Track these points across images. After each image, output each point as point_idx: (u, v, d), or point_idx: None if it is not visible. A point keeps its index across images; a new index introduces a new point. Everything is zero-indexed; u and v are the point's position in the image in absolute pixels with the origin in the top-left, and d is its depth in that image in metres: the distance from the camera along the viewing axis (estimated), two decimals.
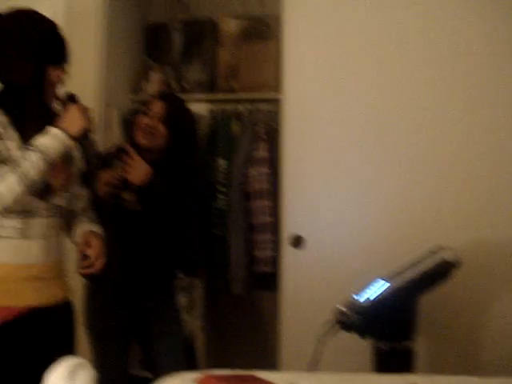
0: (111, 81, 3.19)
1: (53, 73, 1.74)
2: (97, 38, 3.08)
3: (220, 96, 3.33)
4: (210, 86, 3.45)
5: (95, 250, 1.83)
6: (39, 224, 1.75)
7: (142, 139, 2.38)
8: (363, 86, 2.68)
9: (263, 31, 3.40)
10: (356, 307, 2.12)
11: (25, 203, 1.68)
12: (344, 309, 2.13)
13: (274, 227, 2.96)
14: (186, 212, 2.47)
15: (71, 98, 1.80)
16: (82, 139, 1.76)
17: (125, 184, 2.33)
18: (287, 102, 2.77)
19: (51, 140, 1.67)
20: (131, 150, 2.31)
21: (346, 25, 2.72)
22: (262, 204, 3.03)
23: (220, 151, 3.14)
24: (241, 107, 3.22)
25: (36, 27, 1.73)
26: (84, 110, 1.77)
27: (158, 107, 2.40)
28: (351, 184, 2.69)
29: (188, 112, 2.55)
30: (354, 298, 2.15)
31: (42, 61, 1.71)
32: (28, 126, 1.71)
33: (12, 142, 1.66)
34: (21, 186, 1.61)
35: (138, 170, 2.28)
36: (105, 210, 2.28)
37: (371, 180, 2.66)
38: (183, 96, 3.30)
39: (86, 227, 1.91)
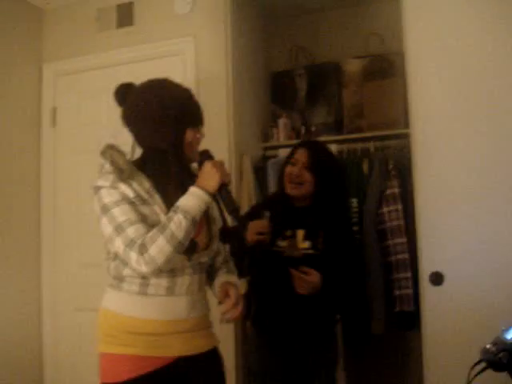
0: (242, 129, 3.33)
1: (190, 135, 1.84)
2: (227, 89, 3.24)
3: (347, 136, 3.36)
4: (337, 126, 3.50)
5: (232, 300, 1.87)
6: (185, 281, 1.84)
7: (290, 189, 2.44)
8: (494, 116, 2.60)
9: (386, 69, 3.42)
10: (505, 345, 2.01)
11: (172, 262, 1.76)
12: (492, 347, 2.03)
13: (412, 265, 2.90)
14: (348, 263, 2.47)
15: (205, 155, 1.87)
16: (220, 193, 1.81)
17: (277, 232, 2.40)
18: (416, 136, 2.73)
19: (192, 199, 1.74)
20: (298, 273, 2.29)
21: (471, 57, 2.65)
22: (399, 241, 2.98)
23: (351, 190, 3.14)
24: (369, 145, 3.22)
25: (172, 95, 1.83)
26: (218, 165, 1.82)
27: (301, 155, 2.45)
28: (489, 216, 2.58)
29: (331, 155, 2.58)
30: (502, 335, 2.04)
31: (180, 125, 1.81)
32: (170, 188, 1.80)
33: (158, 207, 1.77)
34: (170, 248, 1.68)
35: (310, 283, 2.28)
36: (257, 256, 2.38)
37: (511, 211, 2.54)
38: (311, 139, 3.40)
39: (223, 278, 1.97)
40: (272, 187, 3.35)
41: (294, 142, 3.46)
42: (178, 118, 1.80)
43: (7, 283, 3.32)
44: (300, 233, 2.42)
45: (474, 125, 2.62)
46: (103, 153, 1.83)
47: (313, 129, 3.53)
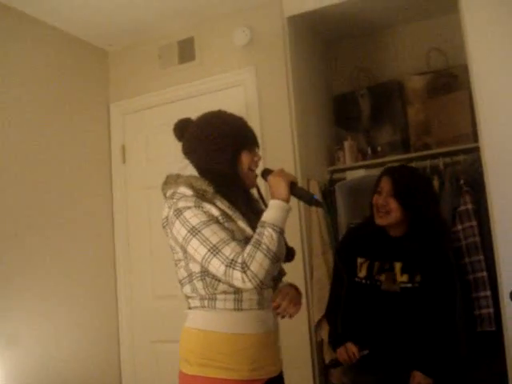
0: (308, 155, 3.34)
1: (247, 158, 1.92)
2: (290, 116, 3.27)
3: (415, 154, 3.30)
4: (404, 145, 3.44)
5: (283, 297, 1.93)
6: (269, 295, 1.91)
7: (379, 219, 2.45)
8: None
9: (449, 83, 3.35)
10: None
11: (271, 275, 1.81)
12: None
13: (492, 283, 2.79)
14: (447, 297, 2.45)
15: (265, 172, 1.94)
16: (293, 193, 1.87)
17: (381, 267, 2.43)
18: (487, 150, 2.66)
19: (274, 211, 1.80)
20: None
21: None
22: (476, 259, 2.88)
23: None
24: (438, 162, 3.15)
25: (227, 122, 1.95)
26: (278, 172, 1.89)
27: (385, 183, 2.45)
28: None
29: (419, 179, 2.54)
30: None
31: (236, 148, 1.90)
32: (243, 206, 1.90)
33: (241, 222, 1.83)
34: (268, 261, 1.73)
35: None
36: (360, 291, 2.44)
37: None
38: (377, 159, 3.37)
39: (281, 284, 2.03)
40: (341, 210, 3.32)
41: (361, 163, 3.45)
42: (234, 144, 1.89)
43: (86, 318, 3.42)
44: (398, 265, 2.41)
45: None
46: (172, 180, 1.93)
47: (379, 149, 3.49)
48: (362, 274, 2.46)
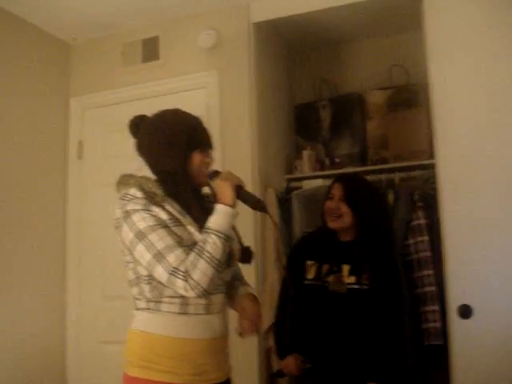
0: (266, 162, 3.34)
1: (198, 158, 1.90)
2: (251, 123, 3.26)
3: (371, 167, 3.34)
4: (362, 158, 3.48)
5: (250, 314, 1.91)
6: (218, 299, 1.88)
7: (330, 222, 2.50)
8: None
9: (410, 99, 3.41)
10: None
11: (215, 282, 1.79)
12: None
13: (440, 297, 2.84)
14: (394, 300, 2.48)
15: (212, 174, 1.92)
16: (238, 197, 1.86)
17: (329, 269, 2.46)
18: (442, 166, 2.71)
19: (219, 217, 1.79)
20: None
21: (496, 84, 2.65)
22: (426, 273, 2.93)
23: None
24: (394, 176, 3.20)
25: (181, 121, 1.93)
26: (225, 175, 1.89)
27: (337, 189, 2.51)
28: None
29: (368, 187, 2.61)
30: None
31: (188, 148, 1.88)
32: (195, 208, 1.87)
33: (191, 226, 1.81)
34: (212, 269, 1.72)
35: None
36: (308, 293, 2.45)
37: None
38: (335, 170, 3.39)
39: (243, 290, 2.01)
40: (296, 219, 3.33)
41: (319, 173, 3.47)
42: (187, 142, 1.87)
43: (32, 315, 3.33)
44: (346, 267, 2.44)
45: (502, 154, 2.60)
46: (124, 181, 1.90)
47: (337, 160, 3.52)
48: (311, 275, 2.49)
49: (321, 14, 3.28)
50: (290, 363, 2.43)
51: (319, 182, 3.38)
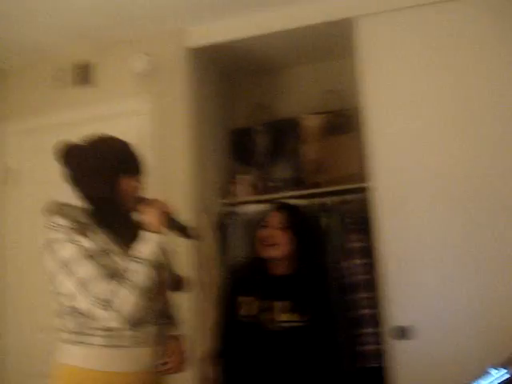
0: (202, 187, 3.30)
1: (125, 183, 1.87)
2: (187, 147, 3.23)
3: (306, 191, 3.36)
4: (297, 182, 3.49)
5: (174, 356, 1.91)
6: (148, 330, 1.82)
7: (264, 251, 2.46)
8: (456, 165, 2.64)
9: (344, 124, 3.46)
10: None
11: (140, 311, 1.74)
12: None
13: (376, 320, 2.85)
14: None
15: (139, 200, 1.90)
16: (167, 224, 1.84)
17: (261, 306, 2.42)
18: (376, 189, 2.75)
19: (142, 244, 1.75)
20: None
21: (427, 108, 2.73)
22: (361, 296, 2.94)
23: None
24: (327, 200, 3.22)
25: (109, 146, 1.90)
26: (150, 202, 1.86)
27: (273, 218, 2.49)
28: (455, 268, 2.58)
29: (304, 216, 2.64)
30: None
31: (115, 174, 1.85)
32: (122, 236, 1.83)
33: (116, 256, 1.76)
34: (133, 297, 1.68)
35: None
36: (243, 330, 2.41)
37: (477, 262, 2.54)
38: (270, 195, 3.39)
39: (167, 331, 1.97)
40: (233, 244, 3.30)
41: (254, 198, 3.46)
42: (114, 167, 1.85)
43: None
44: (277, 305, 2.40)
45: (435, 174, 2.66)
46: (50, 208, 1.84)
47: (271, 184, 3.52)
48: (244, 312, 2.44)
49: (255, 40, 3.30)
50: None
51: (254, 207, 3.37)
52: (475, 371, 2.03)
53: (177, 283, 1.96)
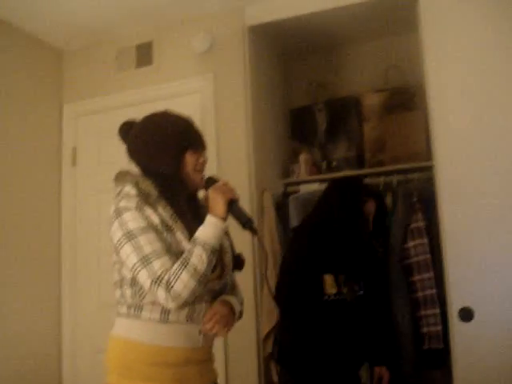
0: (262, 166, 3.30)
1: (192, 159, 1.86)
2: (247, 127, 3.23)
3: (369, 170, 3.31)
4: (359, 161, 3.45)
5: (210, 317, 1.82)
6: (202, 309, 1.81)
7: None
8: None
9: (406, 101, 3.39)
10: None
11: (197, 294, 1.75)
12: None
13: (441, 300, 2.81)
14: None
15: (209, 182, 1.88)
16: (230, 211, 1.81)
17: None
18: (441, 168, 2.68)
19: (207, 229, 1.74)
20: None
21: (494, 85, 2.63)
22: (426, 276, 2.90)
23: (374, 225, 3.07)
24: (392, 179, 3.17)
25: (171, 122, 1.90)
26: (219, 187, 1.83)
27: (372, 206, 2.69)
28: None
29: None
30: None
31: (180, 149, 1.84)
32: (188, 215, 1.82)
33: (181, 234, 1.76)
34: (194, 282, 1.67)
35: None
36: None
37: None
38: (332, 174, 3.36)
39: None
40: (293, 223, 3.29)
41: (315, 177, 3.44)
42: (178, 143, 1.84)
43: (28, 323, 3.29)
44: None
45: (501, 153, 2.57)
46: (121, 177, 1.86)
47: (334, 164, 3.49)
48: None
49: (316, 16, 3.26)
50: None
51: (316, 186, 3.35)
52: None
53: (238, 263, 1.96)
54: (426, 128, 3.02)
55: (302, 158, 3.51)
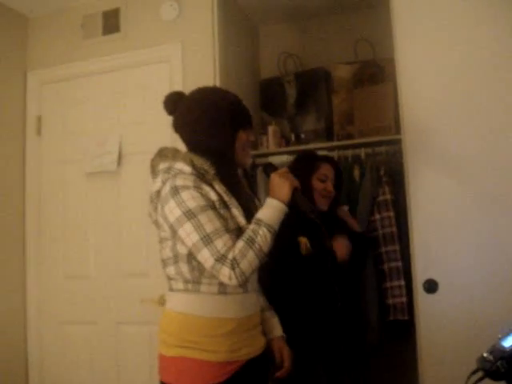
0: None
1: (244, 136, 1.89)
2: None
3: (338, 143, 3.31)
4: (327, 133, 3.45)
5: (287, 361, 1.96)
6: (254, 278, 1.90)
7: (323, 204, 2.51)
8: (487, 119, 2.57)
9: (376, 74, 3.38)
10: (502, 353, 1.95)
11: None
12: (489, 355, 1.97)
13: (406, 273, 2.85)
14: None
15: (270, 167, 1.97)
16: (294, 198, 1.86)
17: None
18: (408, 141, 2.69)
19: (272, 211, 1.79)
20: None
21: (463, 61, 2.63)
22: (392, 249, 2.94)
23: (342, 198, 3.08)
24: (360, 152, 3.18)
25: (224, 98, 1.89)
26: (285, 174, 1.88)
27: (329, 172, 2.53)
28: (484, 222, 2.54)
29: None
30: (498, 344, 1.99)
31: (234, 126, 1.85)
32: (241, 192, 1.89)
33: (236, 210, 1.79)
34: (258, 261, 1.74)
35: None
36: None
37: (509, 217, 2.50)
38: (300, 146, 3.36)
39: (277, 331, 2.04)
40: (262, 195, 3.29)
41: (284, 149, 3.43)
42: (232, 120, 1.85)
43: None
44: None
45: (467, 128, 2.59)
46: (168, 153, 1.87)
47: (302, 136, 3.48)
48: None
49: None
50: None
51: (284, 158, 3.34)
52: (504, 326, 2.03)
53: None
54: (394, 102, 3.02)
55: (271, 129, 3.50)
